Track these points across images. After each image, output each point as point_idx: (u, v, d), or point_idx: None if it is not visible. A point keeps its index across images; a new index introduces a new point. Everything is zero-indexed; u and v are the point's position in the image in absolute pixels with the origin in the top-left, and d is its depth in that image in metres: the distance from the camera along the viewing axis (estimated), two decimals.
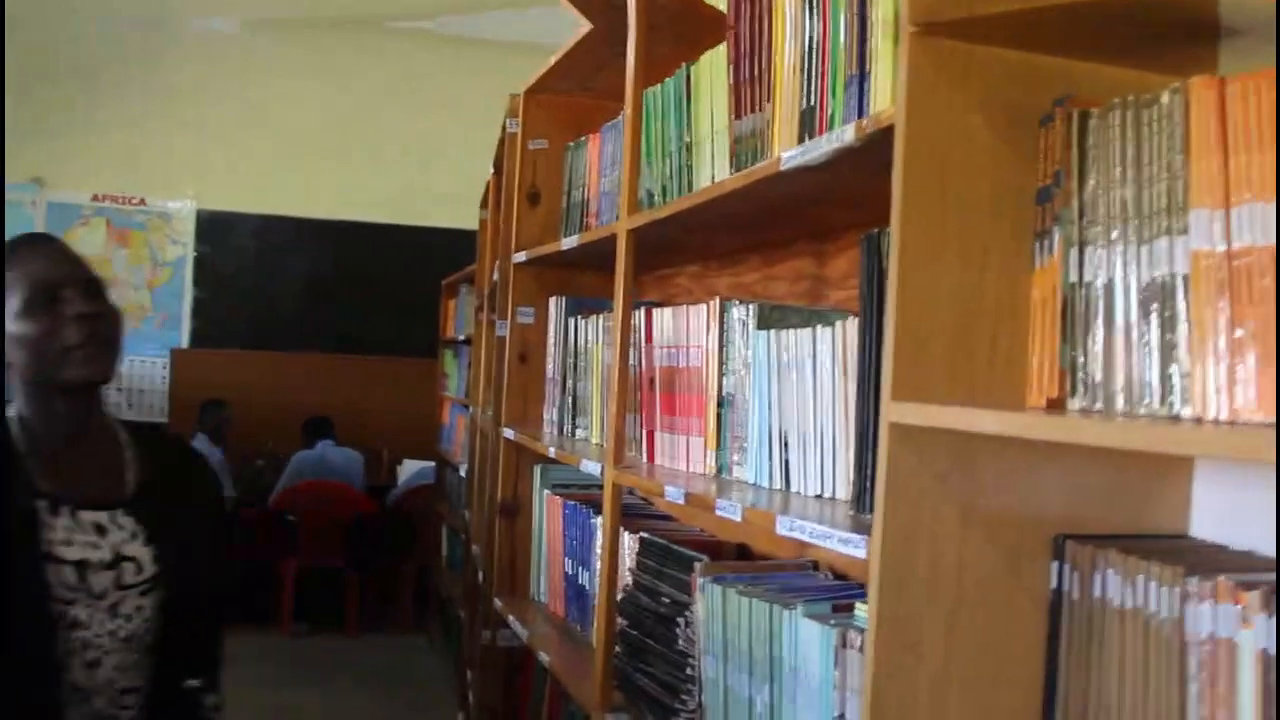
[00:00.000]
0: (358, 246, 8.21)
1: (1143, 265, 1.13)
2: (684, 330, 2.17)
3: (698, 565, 2.00)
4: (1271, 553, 1.20)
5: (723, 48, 2.03)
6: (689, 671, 1.99)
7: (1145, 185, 1.13)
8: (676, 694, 2.02)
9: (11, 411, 1.89)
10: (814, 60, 1.71)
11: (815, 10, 1.71)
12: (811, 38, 1.72)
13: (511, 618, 2.92)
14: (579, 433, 2.82)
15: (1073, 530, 1.29)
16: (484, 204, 5.10)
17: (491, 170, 4.36)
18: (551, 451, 2.61)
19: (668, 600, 2.11)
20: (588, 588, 2.71)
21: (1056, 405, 1.24)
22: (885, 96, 1.50)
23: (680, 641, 2.02)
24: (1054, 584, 1.28)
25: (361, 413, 7.79)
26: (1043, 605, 1.29)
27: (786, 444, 1.83)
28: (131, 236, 8.08)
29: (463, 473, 5.59)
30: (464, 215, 6.67)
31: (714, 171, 2.07)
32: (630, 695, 2.18)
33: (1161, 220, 1.11)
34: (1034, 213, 1.28)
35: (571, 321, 2.87)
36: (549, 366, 3.06)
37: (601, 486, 2.55)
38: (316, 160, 8.09)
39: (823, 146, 1.49)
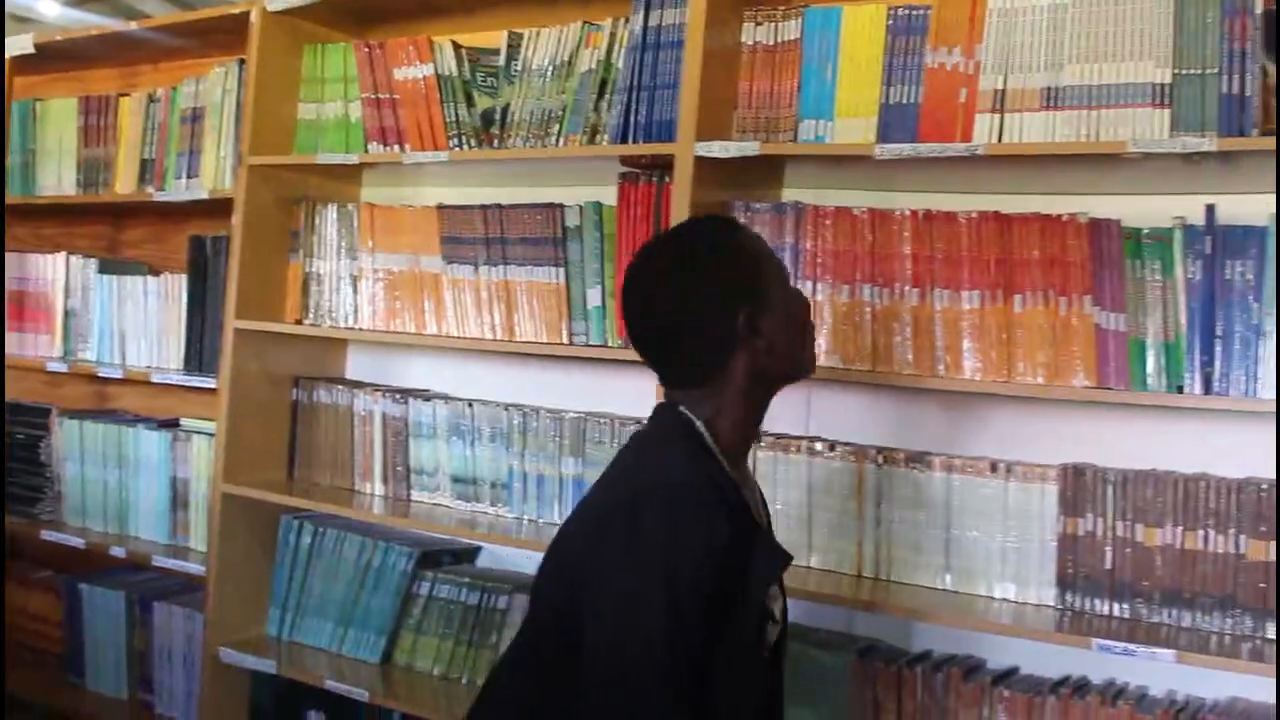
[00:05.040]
0: None
1: (341, 270, 2.85)
2: (31, 269, 3.45)
3: (53, 410, 3.35)
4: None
5: (73, 100, 3.35)
6: (49, 474, 3.34)
7: (346, 235, 2.85)
8: (39, 489, 3.35)
9: (703, 430, 1.66)
10: (154, 132, 3.18)
11: (157, 107, 3.17)
12: (153, 122, 3.18)
13: None
14: None
15: (301, 374, 2.98)
16: None
17: None
18: None
19: (22, 435, 3.40)
20: None
21: (299, 321, 2.92)
22: (210, 164, 3.02)
23: (41, 457, 3.35)
24: (294, 398, 2.98)
25: None
26: (289, 407, 2.98)
27: (124, 337, 3.27)
28: None
29: None
30: None
31: (60, 175, 3.39)
32: None
33: (352, 252, 2.83)
34: (290, 240, 2.94)
35: None
36: None
37: None
38: None
39: (181, 195, 3.00)
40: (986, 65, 2.15)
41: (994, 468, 2.21)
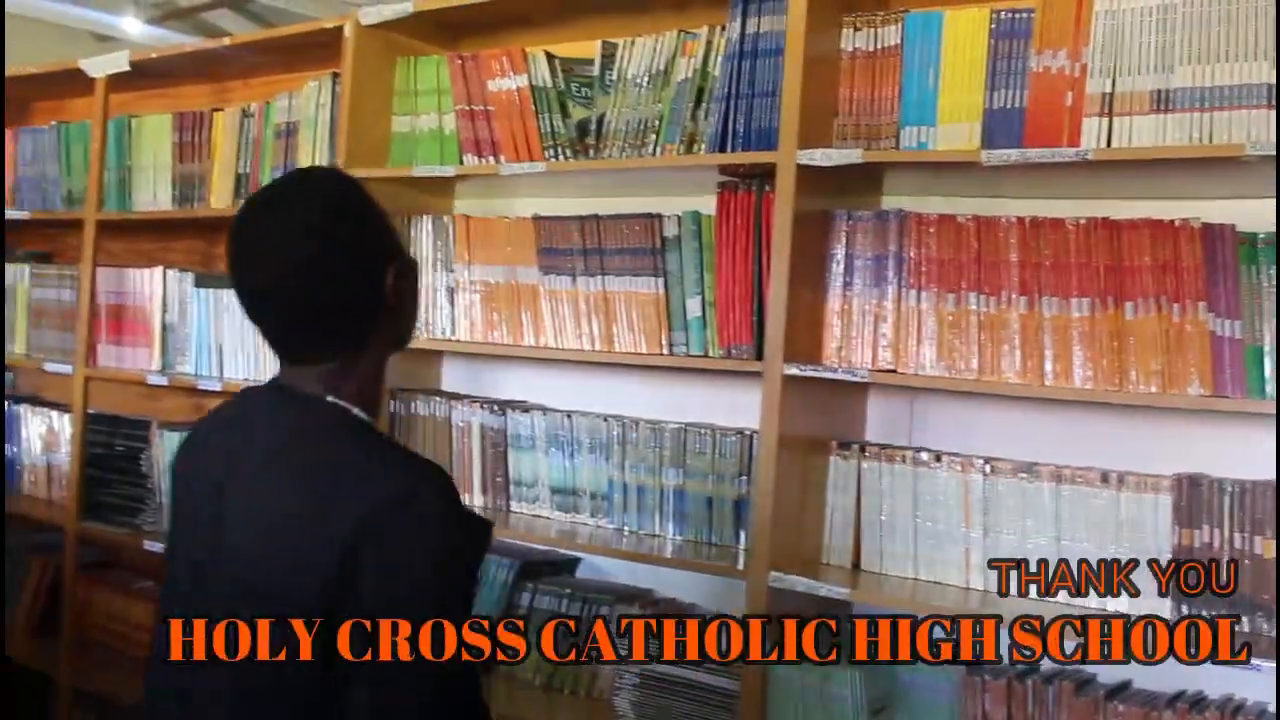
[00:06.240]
0: None
1: (437, 282, 2.86)
2: (129, 284, 3.51)
3: (154, 422, 3.40)
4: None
5: (168, 116, 3.40)
6: (149, 486, 3.40)
7: (441, 248, 2.86)
8: (140, 500, 3.41)
9: (360, 414, 1.54)
10: (249, 147, 3.21)
11: (250, 121, 3.21)
12: (248, 137, 3.22)
13: None
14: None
15: (397, 386, 3.00)
16: None
17: None
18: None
19: (123, 447, 3.46)
20: (12, 458, 3.87)
21: None
22: None
23: (143, 468, 3.41)
24: (391, 409, 3.00)
25: None
26: (386, 418, 3.00)
27: (222, 350, 3.32)
28: None
29: None
30: None
31: (156, 190, 3.44)
32: (96, 510, 3.49)
33: (448, 264, 2.85)
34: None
35: None
36: None
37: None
38: None
39: None
40: (1093, 68, 2.11)
41: (1105, 478, 2.17)
